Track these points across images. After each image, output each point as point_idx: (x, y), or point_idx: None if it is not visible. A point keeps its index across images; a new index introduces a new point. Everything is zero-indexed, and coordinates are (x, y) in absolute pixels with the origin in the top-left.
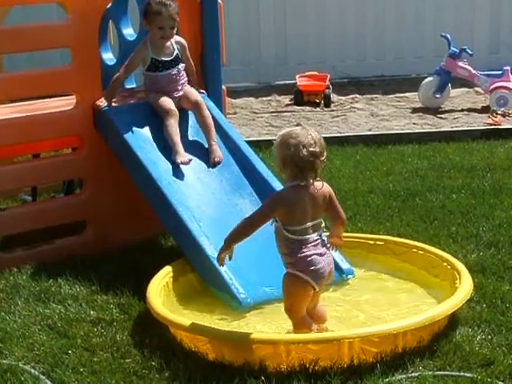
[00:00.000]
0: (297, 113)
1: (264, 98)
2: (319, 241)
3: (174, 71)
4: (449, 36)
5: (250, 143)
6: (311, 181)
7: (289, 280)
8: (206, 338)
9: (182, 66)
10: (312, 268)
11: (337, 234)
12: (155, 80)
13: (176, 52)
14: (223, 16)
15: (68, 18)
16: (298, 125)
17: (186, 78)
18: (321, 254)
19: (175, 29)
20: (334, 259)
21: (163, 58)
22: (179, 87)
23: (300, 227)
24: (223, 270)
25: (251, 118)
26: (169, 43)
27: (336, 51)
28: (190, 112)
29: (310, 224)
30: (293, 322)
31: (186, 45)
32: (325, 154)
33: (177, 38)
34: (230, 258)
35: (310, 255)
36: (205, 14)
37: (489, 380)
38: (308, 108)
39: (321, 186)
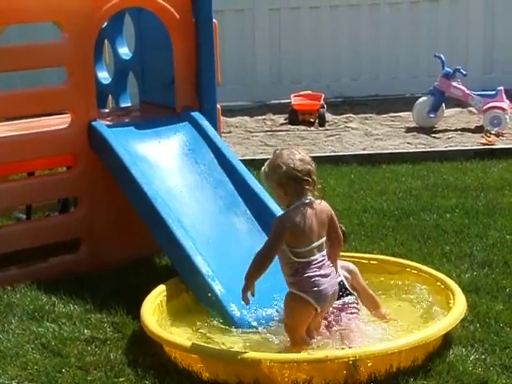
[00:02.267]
0: (291, 132)
1: (259, 117)
2: (324, 262)
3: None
4: (442, 56)
5: (245, 162)
6: (312, 197)
7: (291, 300)
8: (199, 356)
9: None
10: (315, 289)
11: (334, 255)
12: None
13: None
14: (218, 35)
15: (64, 36)
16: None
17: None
18: (325, 276)
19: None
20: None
21: None
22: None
23: (307, 249)
24: (218, 288)
25: (246, 137)
26: None
27: (330, 71)
28: (183, 125)
29: (315, 244)
30: (291, 341)
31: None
32: (315, 168)
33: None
34: (253, 295)
35: (313, 276)
36: (200, 33)
37: None
38: (302, 127)
39: (321, 202)
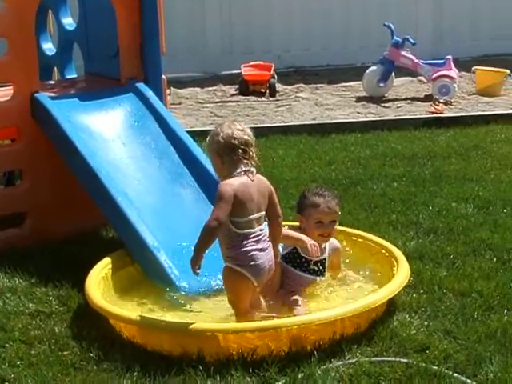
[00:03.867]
0: (242, 103)
1: (209, 88)
2: (261, 236)
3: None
4: (392, 25)
5: (194, 133)
6: (252, 167)
7: (229, 275)
8: (143, 328)
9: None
10: (252, 263)
11: (274, 236)
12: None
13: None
14: (162, 5)
15: (3, 6)
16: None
17: None
18: (261, 250)
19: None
20: None
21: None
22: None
23: (246, 219)
24: (163, 259)
25: (196, 108)
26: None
27: (282, 41)
28: (128, 96)
29: (255, 216)
30: (236, 315)
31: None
32: (254, 143)
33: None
34: (200, 267)
35: (251, 250)
36: (144, 3)
37: (423, 365)
38: (253, 98)
39: (260, 176)
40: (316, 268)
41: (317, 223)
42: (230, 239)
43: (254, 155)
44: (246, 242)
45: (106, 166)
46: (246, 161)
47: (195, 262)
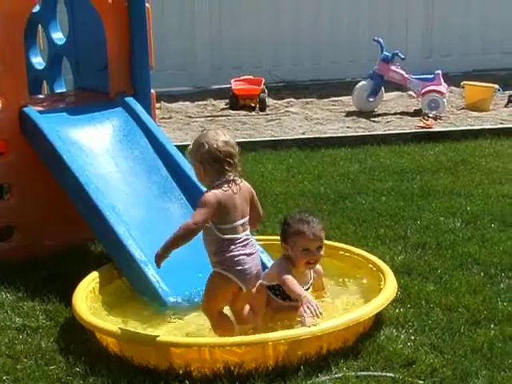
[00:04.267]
0: (232, 117)
1: (200, 103)
2: (248, 241)
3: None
4: (381, 40)
5: (184, 148)
6: (235, 176)
7: (215, 278)
8: (130, 343)
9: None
10: (239, 268)
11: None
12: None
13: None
14: (151, 19)
15: None
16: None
17: None
18: (249, 254)
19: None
20: (262, 261)
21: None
22: None
23: (231, 225)
24: (151, 274)
25: (186, 123)
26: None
27: (272, 55)
28: (117, 111)
29: (240, 222)
30: (210, 322)
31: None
32: (238, 152)
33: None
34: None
35: (238, 255)
36: (132, 18)
37: (409, 379)
38: (243, 112)
39: (242, 182)
40: None
41: (303, 251)
42: (216, 245)
43: (238, 164)
44: (232, 247)
45: (94, 181)
46: (229, 171)
47: (161, 258)
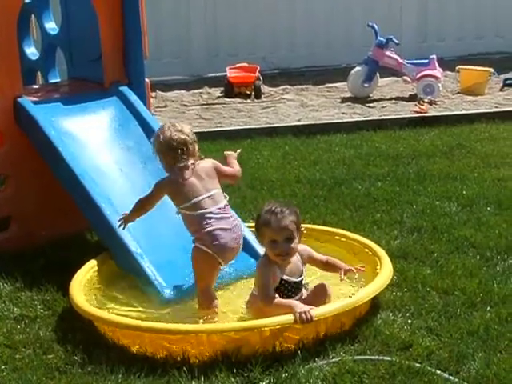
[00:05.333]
0: (227, 105)
1: (195, 91)
2: (222, 215)
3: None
4: (375, 26)
5: None
6: (190, 162)
7: (194, 253)
8: (128, 331)
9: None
10: (216, 243)
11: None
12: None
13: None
14: (144, 8)
15: None
16: None
17: None
18: (225, 229)
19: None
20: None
21: (295, 279)
22: None
23: (191, 202)
24: (146, 266)
25: (182, 111)
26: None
27: (266, 43)
28: (111, 100)
29: (203, 196)
30: (198, 293)
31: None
32: (195, 139)
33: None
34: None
35: (214, 230)
36: (126, 7)
37: (407, 362)
38: (238, 100)
39: (200, 162)
40: (294, 289)
41: (270, 242)
42: (190, 223)
43: (195, 150)
44: (205, 223)
45: (89, 171)
46: (184, 158)
47: (126, 221)
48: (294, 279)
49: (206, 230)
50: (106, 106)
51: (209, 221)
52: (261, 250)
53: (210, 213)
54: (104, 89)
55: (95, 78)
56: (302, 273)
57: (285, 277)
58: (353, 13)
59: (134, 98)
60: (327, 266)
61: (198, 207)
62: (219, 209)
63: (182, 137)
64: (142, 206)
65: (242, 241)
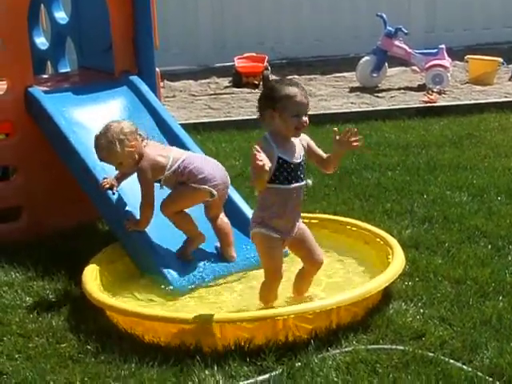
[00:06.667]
0: (235, 95)
1: (203, 81)
2: (191, 156)
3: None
4: (384, 15)
5: (189, 126)
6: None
7: (183, 189)
8: (141, 320)
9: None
10: (201, 176)
11: None
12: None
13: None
14: None
15: None
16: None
17: None
18: (204, 164)
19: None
20: None
21: (294, 160)
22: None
23: (167, 174)
24: (156, 256)
25: (190, 101)
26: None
27: (274, 32)
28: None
29: (170, 164)
30: (173, 222)
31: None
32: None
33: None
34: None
35: (193, 167)
36: None
37: (420, 352)
38: (247, 90)
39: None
40: (299, 173)
41: (294, 116)
42: (174, 183)
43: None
44: (184, 166)
45: (100, 162)
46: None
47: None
48: (294, 160)
49: (187, 170)
50: (117, 96)
51: (185, 165)
52: None
53: (180, 158)
54: (114, 78)
55: (105, 67)
56: (301, 156)
57: (282, 155)
58: (361, 2)
59: (144, 88)
60: (323, 163)
61: (166, 162)
62: (184, 159)
63: (133, 128)
64: (151, 206)
65: None
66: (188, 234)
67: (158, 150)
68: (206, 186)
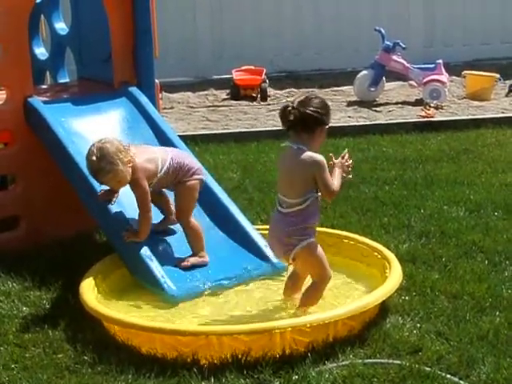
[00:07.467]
0: (233, 107)
1: (201, 93)
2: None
3: None
4: (382, 30)
5: (186, 138)
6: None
7: (186, 188)
8: (137, 331)
9: None
10: (193, 170)
11: None
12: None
13: None
14: (155, 8)
15: None
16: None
17: None
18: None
19: None
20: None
21: None
22: None
23: (155, 179)
24: (154, 266)
25: (188, 113)
26: None
27: (273, 45)
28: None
29: (159, 163)
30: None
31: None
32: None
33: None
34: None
35: (180, 165)
36: (136, 7)
37: (416, 366)
38: (245, 102)
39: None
40: None
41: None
42: (171, 181)
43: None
44: (172, 169)
45: None
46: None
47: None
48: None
49: (175, 164)
50: (116, 107)
51: (173, 166)
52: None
53: (166, 160)
54: (113, 89)
55: (104, 78)
56: None
57: None
58: (360, 17)
59: (144, 99)
60: None
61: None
62: (170, 163)
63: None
64: (149, 213)
65: None
66: (195, 249)
67: (143, 156)
68: (199, 176)
